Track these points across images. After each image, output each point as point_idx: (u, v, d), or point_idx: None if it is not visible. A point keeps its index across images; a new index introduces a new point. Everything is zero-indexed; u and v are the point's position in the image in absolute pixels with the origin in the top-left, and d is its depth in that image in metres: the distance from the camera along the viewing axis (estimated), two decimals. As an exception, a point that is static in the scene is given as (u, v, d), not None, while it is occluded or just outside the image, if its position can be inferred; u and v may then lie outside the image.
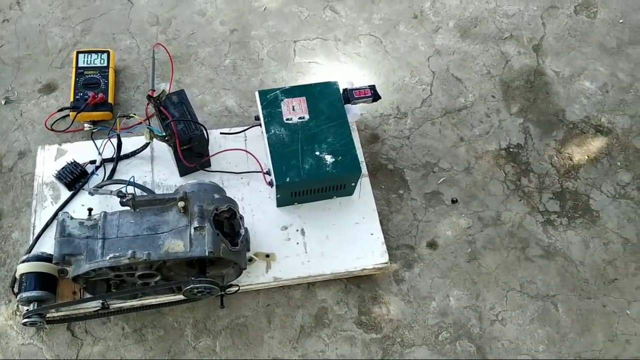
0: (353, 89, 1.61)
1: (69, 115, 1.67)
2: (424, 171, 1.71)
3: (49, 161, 1.58)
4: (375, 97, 1.62)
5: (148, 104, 1.43)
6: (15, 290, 1.34)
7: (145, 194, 1.39)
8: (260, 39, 1.92)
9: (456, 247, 1.59)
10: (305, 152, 1.48)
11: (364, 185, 1.60)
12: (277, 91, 1.57)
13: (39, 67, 1.80)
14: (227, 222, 1.35)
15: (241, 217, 1.35)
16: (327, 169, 1.46)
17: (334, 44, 1.93)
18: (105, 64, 1.74)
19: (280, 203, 1.55)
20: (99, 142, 1.58)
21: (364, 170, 1.63)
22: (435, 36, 1.97)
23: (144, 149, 1.58)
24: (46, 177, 1.55)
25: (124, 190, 1.30)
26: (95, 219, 1.30)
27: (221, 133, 1.66)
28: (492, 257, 1.58)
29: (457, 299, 1.51)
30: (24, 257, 1.33)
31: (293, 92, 1.58)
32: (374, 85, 1.62)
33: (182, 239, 1.25)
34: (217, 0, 1.99)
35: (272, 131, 1.51)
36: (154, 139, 1.47)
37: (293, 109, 1.55)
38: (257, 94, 1.57)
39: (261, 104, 1.55)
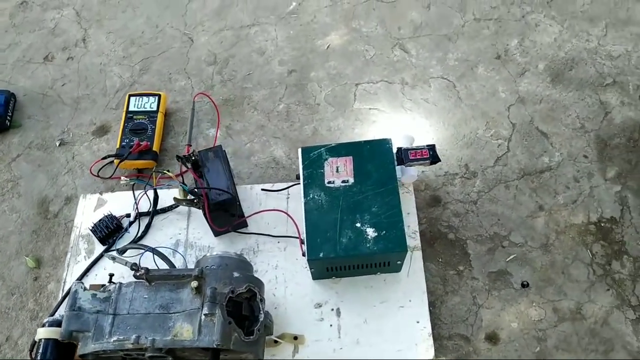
0: (409, 149, 1.41)
1: (113, 162, 1.63)
2: (490, 245, 1.46)
3: (88, 211, 1.54)
4: (434, 159, 1.40)
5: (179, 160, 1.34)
6: (34, 355, 1.30)
7: (163, 266, 1.30)
8: (319, 81, 1.77)
9: (522, 344, 1.34)
10: (345, 223, 1.31)
11: (415, 260, 1.40)
12: (322, 149, 1.41)
13: (96, 107, 1.79)
14: (247, 303, 1.21)
15: (261, 300, 1.21)
16: (368, 244, 1.27)
17: (399, 88, 1.74)
18: (155, 109, 1.68)
19: (316, 276, 1.39)
20: (139, 193, 1.51)
21: (417, 242, 1.42)
22: (520, 80, 1.71)
23: (178, 205, 1.49)
24: (83, 229, 1.51)
25: (138, 262, 1.21)
26: (109, 290, 1.22)
27: (262, 189, 1.53)
28: (566, 361, 1.31)
29: (515, 411, 1.27)
30: (45, 320, 1.29)
31: (339, 150, 1.41)
32: (433, 146, 1.41)
33: (192, 323, 1.14)
34: (278, 38, 1.87)
35: (311, 195, 1.35)
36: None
37: (337, 171, 1.38)
38: (299, 151, 1.43)
39: (303, 163, 1.40)
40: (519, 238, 1.47)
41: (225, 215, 1.40)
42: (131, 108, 1.68)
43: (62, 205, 1.62)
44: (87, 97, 1.81)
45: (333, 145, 1.42)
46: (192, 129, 1.40)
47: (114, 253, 1.31)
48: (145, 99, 1.70)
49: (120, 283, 1.22)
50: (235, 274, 1.20)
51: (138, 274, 1.18)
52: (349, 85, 1.76)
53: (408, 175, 1.46)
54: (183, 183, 1.38)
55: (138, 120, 1.66)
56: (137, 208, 1.48)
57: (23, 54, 1.92)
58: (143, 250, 1.29)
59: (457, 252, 1.46)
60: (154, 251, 1.29)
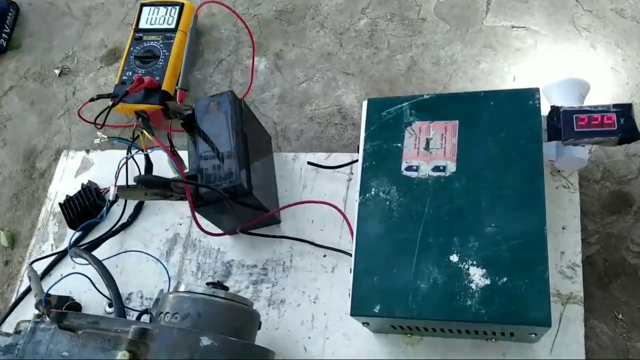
0: (575, 112, 0.71)
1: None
2: None
3: (68, 176, 1.08)
4: (627, 134, 0.69)
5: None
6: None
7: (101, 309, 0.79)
8: (428, -20, 1.08)
9: None
10: (429, 251, 0.68)
11: (571, 322, 0.74)
12: (405, 103, 0.77)
13: (109, 22, 1.29)
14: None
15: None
16: (469, 302, 0.64)
17: (570, -9, 0.99)
18: (173, 25, 1.12)
19: (375, 329, 0.80)
20: (123, 159, 1.00)
21: (577, 286, 0.75)
22: None
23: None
24: (58, 202, 1.05)
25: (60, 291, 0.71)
26: (20, 330, 0.74)
27: (309, 163, 0.94)
28: None
29: None
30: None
31: (436, 107, 0.76)
32: (628, 106, 0.69)
33: None
34: None
35: (373, 191, 0.74)
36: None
37: (426, 147, 0.74)
38: (364, 104, 0.80)
39: (367, 129, 0.78)
40: None
41: (238, 207, 0.83)
42: (142, 25, 1.15)
43: (51, 160, 1.17)
44: (100, 8, 1.31)
45: (425, 97, 0.77)
46: (188, 64, 0.84)
47: (37, 266, 0.83)
48: (162, 10, 1.14)
49: (36, 323, 0.73)
50: (205, 341, 0.64)
51: (46, 320, 0.68)
52: (480, -14, 1.04)
53: (570, 157, 0.77)
54: (173, 150, 0.84)
55: (149, 43, 1.12)
56: (116, 182, 0.97)
57: (35, -54, 1.45)
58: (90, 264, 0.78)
59: (654, 306, 0.77)
60: (101, 270, 0.77)
